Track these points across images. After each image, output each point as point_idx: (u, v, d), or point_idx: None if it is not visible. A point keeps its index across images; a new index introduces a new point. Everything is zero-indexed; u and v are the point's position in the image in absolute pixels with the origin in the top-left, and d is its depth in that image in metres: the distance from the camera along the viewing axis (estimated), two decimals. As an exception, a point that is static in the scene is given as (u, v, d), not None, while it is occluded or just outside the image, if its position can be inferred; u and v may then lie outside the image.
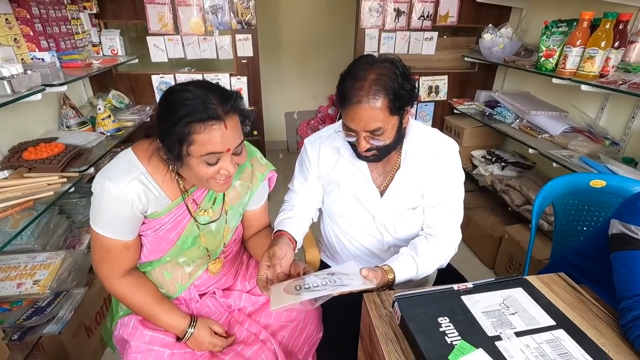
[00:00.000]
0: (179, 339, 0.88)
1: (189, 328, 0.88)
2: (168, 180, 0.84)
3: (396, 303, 0.73)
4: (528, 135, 1.94)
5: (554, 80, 1.65)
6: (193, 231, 0.90)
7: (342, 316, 1.01)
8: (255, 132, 2.47)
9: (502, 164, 2.21)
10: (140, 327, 0.87)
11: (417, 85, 1.01)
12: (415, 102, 2.32)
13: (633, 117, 1.61)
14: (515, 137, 1.93)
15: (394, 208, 1.02)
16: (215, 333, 0.90)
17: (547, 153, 1.69)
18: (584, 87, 1.51)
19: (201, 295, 0.98)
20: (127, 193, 0.77)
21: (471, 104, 2.52)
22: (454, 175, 1.01)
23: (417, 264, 0.93)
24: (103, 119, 1.80)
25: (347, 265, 0.88)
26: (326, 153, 1.04)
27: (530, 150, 1.79)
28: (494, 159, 2.28)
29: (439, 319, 0.70)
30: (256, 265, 1.09)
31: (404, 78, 0.85)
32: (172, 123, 0.71)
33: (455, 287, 0.78)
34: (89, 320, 1.47)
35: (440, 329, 0.68)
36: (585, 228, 1.21)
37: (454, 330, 0.67)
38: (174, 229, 0.87)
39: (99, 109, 1.80)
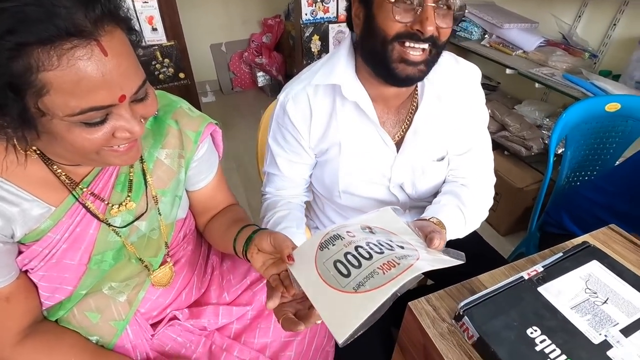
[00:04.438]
0: None
1: None
2: (35, 172, 0.49)
3: (466, 317, 0.53)
4: (501, 53, 1.76)
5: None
6: (110, 241, 0.57)
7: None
8: (182, 75, 1.95)
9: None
10: None
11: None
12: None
13: (614, 25, 1.49)
14: (488, 56, 1.74)
15: (415, 163, 0.77)
16: None
17: (528, 72, 1.54)
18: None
19: (156, 325, 0.68)
20: None
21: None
22: (482, 111, 0.79)
23: (464, 216, 0.73)
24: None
25: (382, 214, 0.56)
26: (320, 109, 0.72)
27: (508, 71, 1.62)
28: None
29: (529, 332, 0.52)
30: (234, 264, 0.80)
31: None
32: None
33: (525, 275, 0.60)
34: None
35: (537, 348, 0.50)
36: (600, 161, 1.11)
37: (554, 347, 0.50)
38: (76, 248, 0.54)
39: None
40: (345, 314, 0.41)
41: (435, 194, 0.82)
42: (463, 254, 0.51)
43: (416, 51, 0.60)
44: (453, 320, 0.56)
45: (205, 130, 0.64)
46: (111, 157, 0.47)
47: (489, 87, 2.05)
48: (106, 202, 0.55)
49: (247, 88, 3.22)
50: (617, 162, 1.12)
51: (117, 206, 0.56)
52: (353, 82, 0.68)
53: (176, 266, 0.66)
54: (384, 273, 0.43)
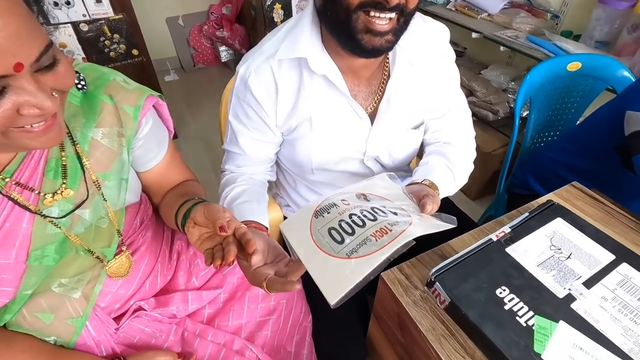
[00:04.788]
0: None
1: None
2: None
3: (437, 283, 0.53)
4: (467, 16, 1.74)
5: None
6: (49, 234, 0.51)
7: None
8: (135, 52, 1.81)
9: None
10: None
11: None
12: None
13: (575, -16, 1.49)
14: (454, 20, 1.72)
15: (390, 134, 0.74)
16: None
17: (493, 36, 1.54)
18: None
19: (119, 318, 0.63)
20: None
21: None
22: (454, 70, 0.77)
23: (453, 174, 0.74)
24: None
25: (377, 180, 0.57)
26: (287, 83, 0.67)
27: (474, 35, 1.61)
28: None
29: (498, 292, 0.52)
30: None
31: None
32: None
33: (494, 237, 0.60)
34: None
35: (506, 307, 0.51)
36: (562, 121, 1.14)
37: (522, 304, 0.51)
38: (8, 245, 0.49)
39: None
40: (338, 277, 0.43)
41: (415, 162, 0.81)
42: (455, 218, 0.51)
43: (382, 20, 0.55)
44: (425, 287, 0.57)
45: (145, 103, 0.58)
46: (25, 139, 0.41)
47: (456, 52, 2.03)
48: (37, 192, 0.49)
49: (210, 64, 3.06)
50: (578, 122, 1.15)
51: (50, 195, 0.50)
52: (320, 54, 0.64)
53: (135, 255, 0.62)
54: (376, 240, 0.44)
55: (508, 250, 0.58)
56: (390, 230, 0.45)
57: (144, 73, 1.84)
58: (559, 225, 0.63)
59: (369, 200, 0.52)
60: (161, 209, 0.69)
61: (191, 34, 2.91)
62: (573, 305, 0.51)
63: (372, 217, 0.47)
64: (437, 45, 0.72)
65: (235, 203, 0.71)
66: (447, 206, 0.97)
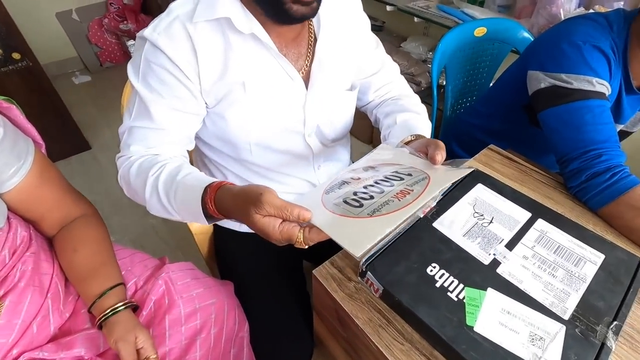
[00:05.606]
0: None
1: None
2: None
3: (369, 272, 0.51)
4: (380, -10, 1.73)
5: None
6: None
7: (266, 289, 0.76)
8: (16, 56, 1.54)
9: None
10: None
11: None
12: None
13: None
14: (368, -6, 1.70)
15: (327, 97, 0.70)
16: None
17: (406, 7, 1.55)
18: None
19: None
20: None
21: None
22: (372, 35, 0.78)
23: (424, 119, 0.75)
24: None
25: (380, 151, 0.57)
26: (209, 47, 0.58)
27: (389, 8, 1.61)
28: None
29: (429, 270, 0.51)
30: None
31: None
32: None
33: (421, 213, 0.59)
34: None
35: (437, 285, 0.50)
36: (477, 86, 1.18)
37: (452, 278, 0.50)
38: None
39: None
40: (362, 232, 0.40)
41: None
42: (467, 160, 0.53)
43: None
44: (359, 278, 0.54)
45: None
46: None
47: (375, 27, 2.04)
48: None
49: (120, 62, 2.76)
50: (491, 85, 1.20)
51: None
52: (243, 14, 0.58)
53: (11, 294, 0.51)
54: (399, 200, 0.43)
55: (435, 224, 0.58)
56: (412, 190, 0.45)
57: (33, 79, 1.59)
58: (479, 191, 0.64)
59: (378, 171, 0.51)
60: (67, 264, 0.61)
61: (90, 29, 2.58)
62: (498, 270, 0.52)
63: (389, 184, 0.47)
64: (352, 10, 0.71)
65: (180, 177, 0.55)
66: None
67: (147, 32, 0.57)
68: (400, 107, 0.76)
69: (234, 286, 0.77)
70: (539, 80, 0.73)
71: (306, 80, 0.67)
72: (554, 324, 0.46)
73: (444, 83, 1.16)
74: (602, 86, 0.68)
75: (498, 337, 0.44)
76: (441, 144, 0.53)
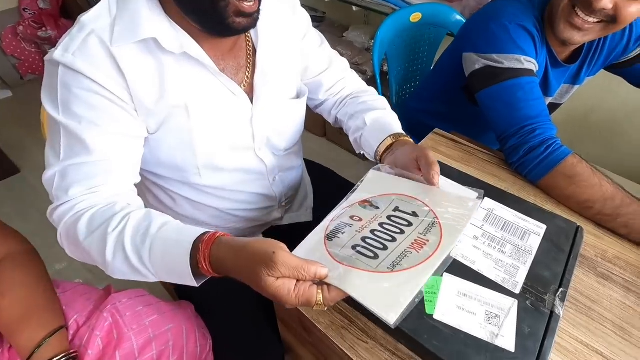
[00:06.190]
0: None
1: None
2: None
3: (326, 275, 0.49)
4: (316, -20, 1.71)
5: None
6: None
7: (228, 303, 0.73)
8: None
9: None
10: None
11: None
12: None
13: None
14: (305, -15, 1.67)
15: (273, 108, 0.66)
16: None
17: (344, -3, 1.54)
18: None
19: None
20: None
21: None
22: (314, 31, 0.75)
23: (391, 112, 0.75)
24: None
25: (370, 179, 0.56)
26: (137, 68, 0.51)
27: (326, -2, 1.59)
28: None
29: (385, 264, 0.51)
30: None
31: None
32: None
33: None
34: None
35: (394, 277, 0.49)
36: (419, 71, 1.19)
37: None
38: None
39: None
40: (391, 294, 0.37)
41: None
42: (482, 191, 0.52)
43: (250, 2, 0.50)
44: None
45: None
46: None
47: (316, 18, 2.02)
48: None
49: (43, 73, 2.51)
50: (431, 69, 1.23)
51: None
52: (171, 31, 0.52)
53: None
54: (417, 252, 0.41)
55: (388, 216, 0.57)
56: (428, 241, 0.43)
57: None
58: (428, 177, 0.64)
59: (377, 207, 0.49)
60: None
61: (4, 39, 2.32)
62: (452, 254, 0.52)
63: (397, 230, 0.45)
64: (290, 12, 0.68)
65: (153, 230, 0.46)
66: (327, 175, 0.96)
67: (57, 54, 0.49)
68: (364, 105, 0.74)
69: (194, 306, 0.72)
70: (473, 61, 0.75)
71: (249, 93, 0.63)
72: (506, 300, 0.47)
73: (387, 70, 1.17)
74: (530, 63, 0.71)
75: (457, 321, 0.45)
76: (430, 156, 0.53)
